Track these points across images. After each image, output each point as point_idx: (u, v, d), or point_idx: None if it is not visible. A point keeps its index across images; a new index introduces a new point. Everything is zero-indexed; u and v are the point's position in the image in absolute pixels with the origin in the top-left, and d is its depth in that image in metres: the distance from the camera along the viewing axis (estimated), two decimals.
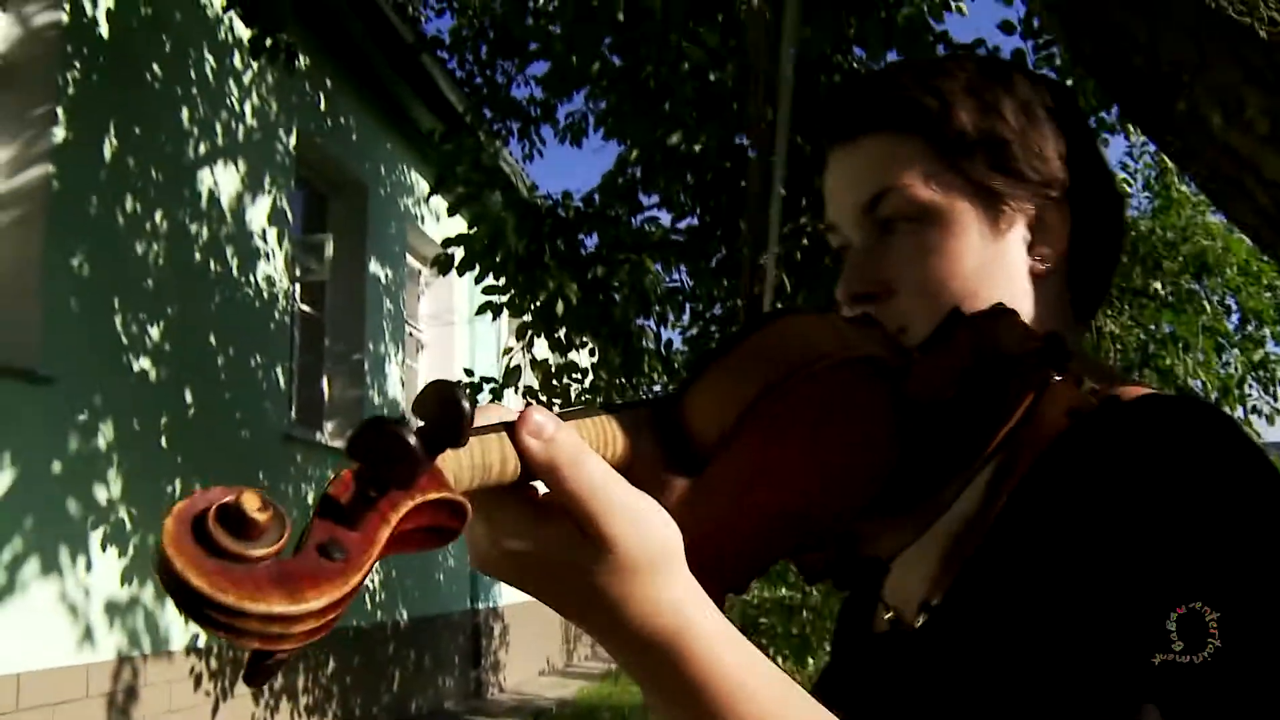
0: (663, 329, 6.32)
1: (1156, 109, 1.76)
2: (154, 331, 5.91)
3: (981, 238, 0.90)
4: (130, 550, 5.64)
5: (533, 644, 12.20)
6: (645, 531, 0.59)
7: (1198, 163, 1.77)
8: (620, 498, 0.59)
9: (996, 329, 0.79)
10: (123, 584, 5.56)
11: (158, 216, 5.98)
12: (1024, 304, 0.90)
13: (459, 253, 5.28)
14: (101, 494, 5.48)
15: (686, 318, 6.47)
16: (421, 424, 0.50)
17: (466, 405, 0.50)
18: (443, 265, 5.42)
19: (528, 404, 0.60)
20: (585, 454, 0.58)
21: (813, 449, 0.69)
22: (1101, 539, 0.71)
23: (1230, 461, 0.73)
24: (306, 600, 0.44)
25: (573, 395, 6.14)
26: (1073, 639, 0.70)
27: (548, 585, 0.62)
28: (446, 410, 0.50)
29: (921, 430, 0.75)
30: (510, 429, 0.57)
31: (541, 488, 0.60)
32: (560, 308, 4.97)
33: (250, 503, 0.45)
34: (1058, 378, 0.80)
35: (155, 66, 6.07)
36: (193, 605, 0.43)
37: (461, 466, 0.55)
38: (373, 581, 8.34)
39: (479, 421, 0.57)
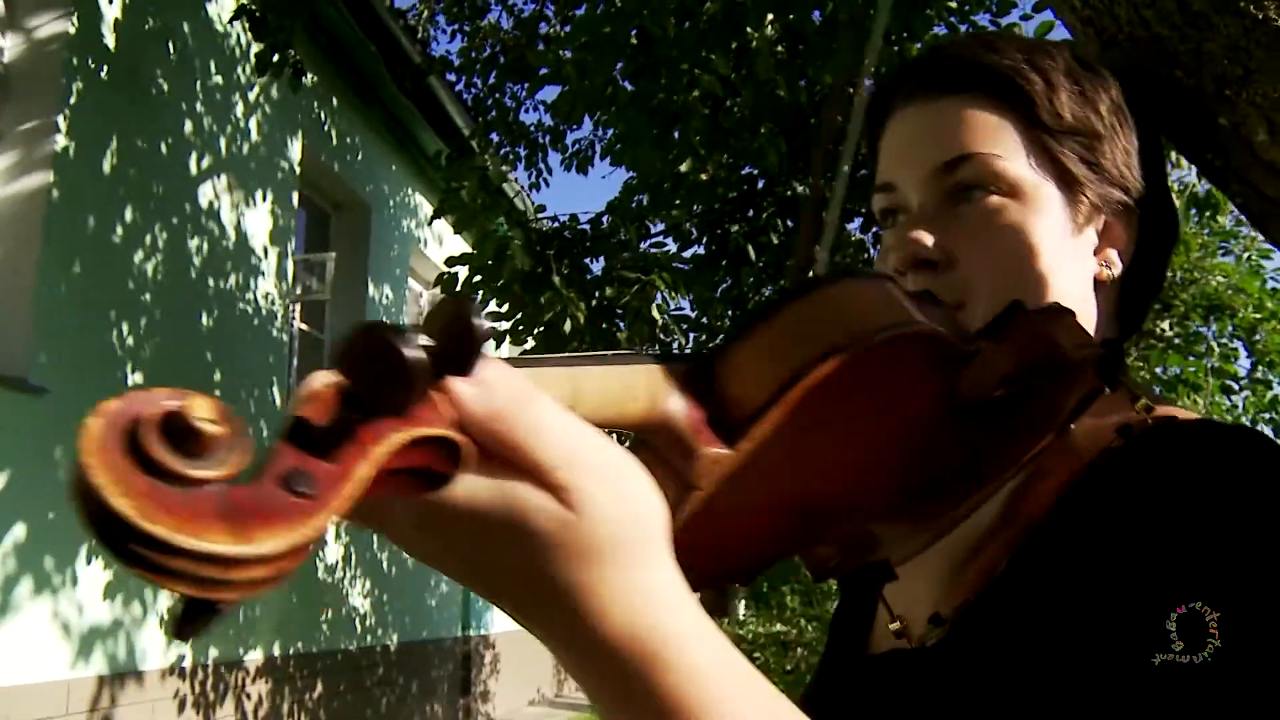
0: None
1: (1198, 125, 1.70)
2: (149, 345, 5.82)
3: (1062, 226, 0.85)
4: (115, 566, 5.52)
5: (523, 673, 12.05)
6: (619, 498, 0.46)
7: (1239, 182, 1.70)
8: (586, 450, 0.45)
9: (1055, 329, 0.71)
10: (105, 599, 5.45)
11: (157, 229, 5.91)
12: (1084, 309, 0.85)
13: (463, 272, 5.20)
14: None
15: (690, 347, 6.40)
16: (429, 343, 0.40)
17: (482, 326, 0.40)
18: (446, 285, 5.35)
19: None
20: (535, 397, 0.45)
21: (856, 431, 0.60)
22: (1149, 579, 0.65)
23: None
24: (254, 540, 0.34)
25: None
26: (1091, 659, 0.64)
27: (482, 567, 0.47)
28: (461, 329, 0.40)
29: (959, 428, 0.67)
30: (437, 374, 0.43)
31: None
32: (568, 326, 4.88)
33: (200, 409, 0.34)
34: (1107, 390, 0.73)
35: (160, 78, 6.01)
36: (112, 533, 0.33)
37: None
38: (362, 604, 8.23)
39: None
